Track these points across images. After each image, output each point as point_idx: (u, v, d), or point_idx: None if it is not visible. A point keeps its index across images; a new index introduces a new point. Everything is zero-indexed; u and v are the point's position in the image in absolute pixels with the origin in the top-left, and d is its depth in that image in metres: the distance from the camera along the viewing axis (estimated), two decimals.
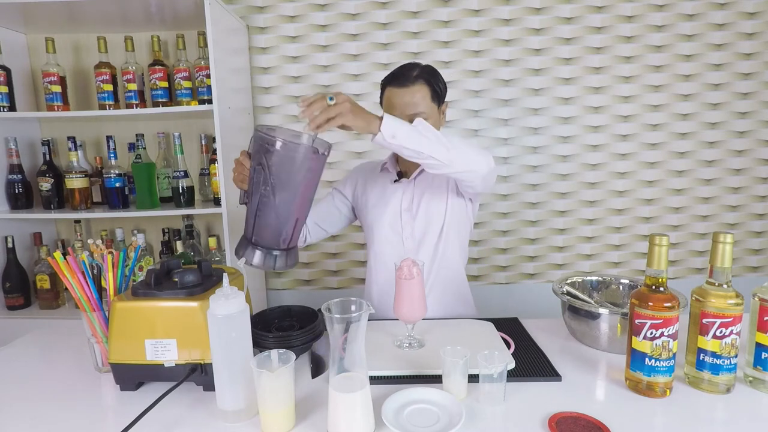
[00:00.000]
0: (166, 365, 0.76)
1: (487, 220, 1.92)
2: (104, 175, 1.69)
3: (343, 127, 0.85)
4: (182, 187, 1.67)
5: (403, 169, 1.23)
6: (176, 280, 0.78)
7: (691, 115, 1.87)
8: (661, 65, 1.83)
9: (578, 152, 1.89)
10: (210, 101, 1.51)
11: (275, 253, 0.88)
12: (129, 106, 1.67)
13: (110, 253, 0.84)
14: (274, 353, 0.68)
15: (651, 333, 0.72)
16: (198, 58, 1.68)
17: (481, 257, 1.95)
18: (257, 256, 0.87)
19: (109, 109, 1.64)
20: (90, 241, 0.93)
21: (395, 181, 1.21)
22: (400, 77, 1.10)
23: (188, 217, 1.76)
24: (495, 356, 0.74)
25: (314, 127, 0.82)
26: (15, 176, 1.70)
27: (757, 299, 0.76)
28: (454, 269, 1.21)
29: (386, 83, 1.13)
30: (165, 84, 1.66)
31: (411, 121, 0.94)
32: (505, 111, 1.86)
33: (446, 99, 1.17)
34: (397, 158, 1.25)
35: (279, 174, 0.81)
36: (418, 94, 1.08)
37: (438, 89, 1.11)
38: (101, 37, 1.65)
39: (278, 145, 0.80)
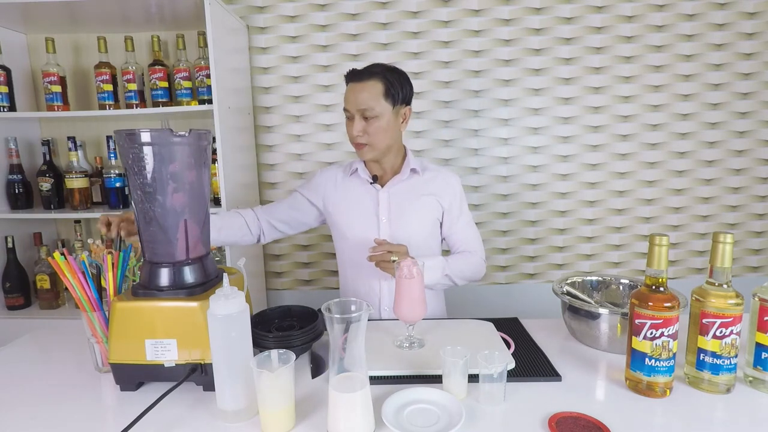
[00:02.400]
0: (166, 365, 0.76)
1: (487, 220, 1.92)
2: (104, 175, 1.69)
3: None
4: None
5: (377, 173, 1.22)
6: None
7: (691, 115, 1.87)
8: (661, 65, 1.83)
9: (578, 152, 1.89)
10: (210, 101, 1.51)
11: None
12: (129, 106, 1.67)
13: (110, 253, 0.84)
14: (274, 353, 0.68)
15: (651, 333, 0.73)
16: (198, 58, 1.68)
17: None
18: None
19: (109, 109, 1.64)
20: (90, 241, 0.93)
21: (371, 183, 1.20)
22: (357, 72, 1.11)
23: None
24: (495, 356, 0.74)
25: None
26: (15, 176, 1.71)
27: (757, 299, 0.76)
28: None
29: (347, 77, 1.14)
30: (165, 84, 1.66)
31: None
32: (505, 111, 1.86)
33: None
34: (366, 161, 1.23)
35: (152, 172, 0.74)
36: (369, 91, 1.09)
37: (394, 89, 1.11)
38: (101, 37, 1.65)
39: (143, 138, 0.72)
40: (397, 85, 1.11)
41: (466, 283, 1.21)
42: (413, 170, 1.21)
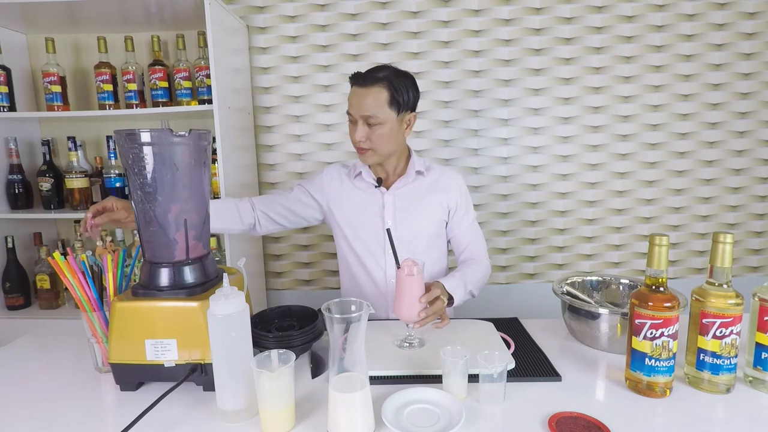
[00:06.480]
0: (166, 365, 0.76)
1: (487, 220, 1.92)
2: (104, 175, 1.69)
3: None
4: None
5: (380, 175, 1.21)
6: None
7: (691, 115, 1.87)
8: (661, 65, 1.83)
9: (578, 152, 1.89)
10: (210, 101, 1.51)
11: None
12: (129, 106, 1.67)
13: (111, 252, 0.84)
14: (274, 353, 0.68)
15: (651, 333, 0.73)
16: (198, 58, 1.68)
17: None
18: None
19: (109, 109, 1.64)
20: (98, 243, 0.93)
21: (376, 187, 1.19)
22: (362, 76, 1.08)
23: None
24: (495, 356, 0.74)
25: (421, 324, 0.92)
26: (15, 176, 1.70)
27: (757, 299, 0.76)
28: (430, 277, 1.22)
29: (351, 80, 1.11)
30: (165, 84, 1.66)
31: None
32: (505, 111, 1.86)
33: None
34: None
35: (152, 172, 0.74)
36: (374, 97, 1.06)
37: (399, 96, 1.08)
38: (101, 37, 1.64)
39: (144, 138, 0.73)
40: (402, 92, 1.08)
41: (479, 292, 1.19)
42: (418, 172, 1.20)
